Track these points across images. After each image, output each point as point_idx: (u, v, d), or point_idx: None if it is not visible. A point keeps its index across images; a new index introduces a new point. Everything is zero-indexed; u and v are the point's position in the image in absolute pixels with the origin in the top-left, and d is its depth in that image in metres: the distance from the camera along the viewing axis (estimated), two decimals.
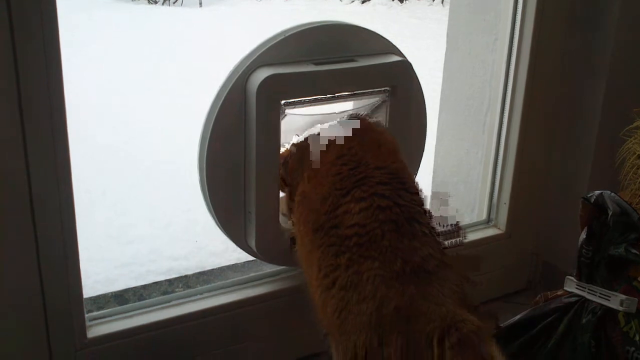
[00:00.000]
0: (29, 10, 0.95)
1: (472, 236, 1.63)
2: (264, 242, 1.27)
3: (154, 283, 1.74)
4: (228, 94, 1.19)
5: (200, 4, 6.70)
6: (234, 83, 1.19)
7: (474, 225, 1.67)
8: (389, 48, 1.32)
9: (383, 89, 1.30)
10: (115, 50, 4.41)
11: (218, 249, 1.98)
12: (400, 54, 1.33)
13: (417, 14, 5.45)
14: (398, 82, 1.30)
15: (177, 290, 1.70)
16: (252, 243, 1.27)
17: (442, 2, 6.40)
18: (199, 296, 1.29)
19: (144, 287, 1.72)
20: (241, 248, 1.32)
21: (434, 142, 1.94)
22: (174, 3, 6.85)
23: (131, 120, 3.24)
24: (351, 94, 1.28)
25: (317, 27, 1.24)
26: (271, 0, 6.69)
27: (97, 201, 2.36)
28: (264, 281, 1.36)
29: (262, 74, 1.17)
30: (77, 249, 1.14)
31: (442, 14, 5.12)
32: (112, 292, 1.68)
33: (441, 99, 1.88)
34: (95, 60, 4.04)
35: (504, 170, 1.64)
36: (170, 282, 1.75)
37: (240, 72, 1.19)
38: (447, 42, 1.84)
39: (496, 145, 1.65)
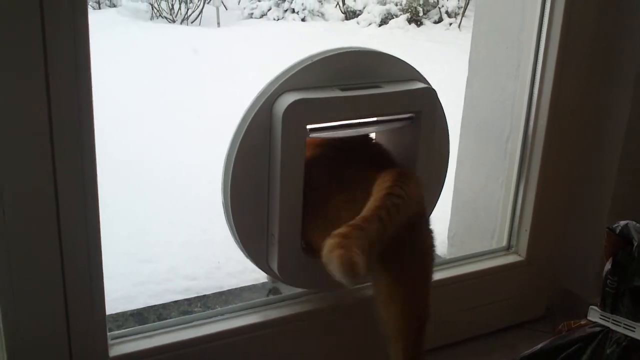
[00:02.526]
0: (61, 29, 0.97)
1: (491, 263, 1.62)
2: (287, 265, 1.27)
3: (173, 302, 1.75)
4: (254, 117, 1.20)
5: (218, 24, 6.78)
6: (260, 106, 1.20)
7: (494, 252, 1.66)
8: (414, 74, 1.33)
9: (407, 115, 1.30)
10: (135, 69, 4.47)
11: (236, 270, 1.99)
12: (424, 80, 1.34)
13: (434, 38, 5.47)
14: (422, 108, 1.30)
15: (196, 309, 1.71)
16: (274, 265, 1.27)
17: (459, 27, 6.43)
18: (219, 317, 1.29)
19: (163, 306, 1.72)
20: (262, 270, 1.32)
21: (454, 167, 1.95)
22: (192, 22, 6.94)
23: (151, 139, 3.28)
24: (375, 120, 1.28)
25: (343, 53, 1.25)
26: (289, 21, 6.76)
27: (116, 217, 2.38)
28: (285, 303, 1.35)
29: (288, 99, 1.18)
30: (102, 268, 1.14)
31: (458, 38, 5.15)
32: (130, 311, 1.69)
33: (462, 124, 1.89)
34: (116, 79, 4.09)
35: (525, 197, 1.63)
36: (189, 301, 1.76)
37: (266, 96, 1.20)
38: (469, 68, 1.85)
39: (518, 171, 1.65)
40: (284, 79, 1.21)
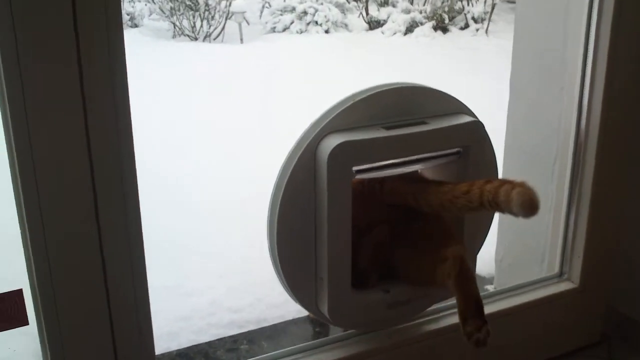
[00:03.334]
0: (97, 49, 0.95)
1: (543, 292, 1.57)
2: (337, 309, 1.24)
3: (218, 340, 1.73)
4: (298, 160, 1.17)
5: (242, 40, 6.80)
6: (304, 149, 1.17)
7: (546, 280, 1.61)
8: (460, 108, 1.30)
9: (454, 150, 1.26)
10: (163, 89, 4.48)
11: (278, 301, 1.95)
12: (471, 113, 1.30)
13: (460, 45, 5.40)
14: (470, 142, 1.27)
15: (242, 347, 1.68)
16: (325, 309, 1.24)
17: (486, 32, 6.34)
18: None
19: (209, 344, 1.70)
20: (312, 312, 1.29)
21: None
22: (214, 39, 6.96)
23: (185, 161, 3.26)
24: (422, 157, 1.25)
25: (386, 90, 1.22)
26: (312, 34, 6.74)
27: (152, 249, 2.37)
28: (335, 345, 1.32)
29: (332, 142, 1.15)
30: (149, 310, 1.12)
31: (487, 44, 5.08)
32: (177, 350, 1.67)
33: (505, 147, 1.84)
34: (144, 101, 4.09)
35: (577, 222, 1.58)
36: (234, 338, 1.73)
37: (310, 139, 1.17)
38: (510, 90, 1.80)
39: (568, 196, 1.59)
40: (327, 120, 1.18)
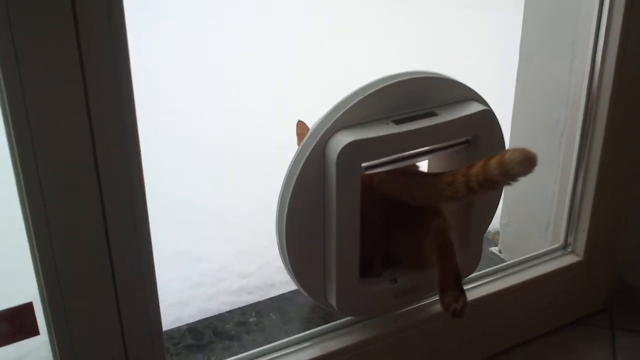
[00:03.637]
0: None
1: (548, 267, 1.59)
2: (345, 301, 1.26)
3: (227, 312, 1.76)
4: (308, 156, 1.17)
5: None
6: (313, 147, 1.16)
7: (550, 253, 1.63)
8: (469, 94, 1.27)
9: (464, 139, 1.25)
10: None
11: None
12: (481, 99, 1.28)
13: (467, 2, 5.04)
14: (480, 132, 1.25)
15: (250, 319, 1.71)
16: (333, 301, 1.26)
17: None
18: (279, 353, 1.29)
19: (217, 317, 1.73)
20: (320, 303, 1.31)
21: None
22: None
23: (192, 135, 3.14)
24: (432, 149, 1.24)
25: (395, 83, 1.19)
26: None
27: (161, 213, 2.38)
28: (340, 332, 1.34)
29: (341, 140, 1.13)
30: (157, 295, 1.11)
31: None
32: (186, 325, 1.71)
33: (514, 113, 1.82)
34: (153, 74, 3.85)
35: (583, 195, 1.58)
36: (242, 310, 1.76)
37: (319, 135, 1.16)
38: (520, 53, 1.76)
39: (575, 168, 1.59)
40: (336, 116, 1.16)
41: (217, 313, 1.76)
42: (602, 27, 1.46)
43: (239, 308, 1.77)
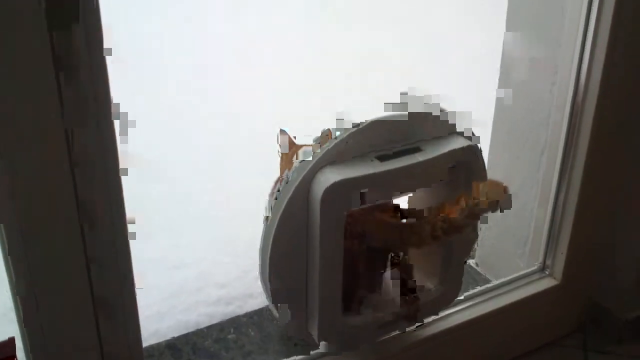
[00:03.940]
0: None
1: (526, 291, 1.60)
2: (328, 336, 1.27)
3: (206, 328, 1.75)
4: (293, 193, 1.16)
5: None
6: (298, 183, 1.16)
7: (529, 276, 1.64)
8: (453, 128, 1.27)
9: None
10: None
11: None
12: (466, 134, 1.28)
13: None
14: (463, 165, 1.25)
15: (228, 336, 1.71)
16: (315, 334, 1.26)
17: None
18: None
19: (196, 333, 1.72)
20: (302, 336, 1.32)
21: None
22: None
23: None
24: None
25: (379, 121, 1.18)
26: None
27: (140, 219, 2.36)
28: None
29: (325, 180, 1.13)
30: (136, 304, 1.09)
31: None
32: (165, 341, 1.70)
33: (493, 129, 1.82)
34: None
35: (563, 218, 1.59)
36: (221, 326, 1.75)
37: (304, 172, 1.16)
38: (500, 70, 1.76)
39: (556, 189, 1.59)
40: (320, 155, 1.16)
41: (195, 329, 1.75)
42: (587, 45, 1.44)
43: (218, 323, 1.77)
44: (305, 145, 1.67)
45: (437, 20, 4.17)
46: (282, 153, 1.68)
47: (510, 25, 1.73)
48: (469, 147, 1.25)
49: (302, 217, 1.17)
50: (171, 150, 2.89)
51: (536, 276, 1.65)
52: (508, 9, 1.76)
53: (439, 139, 1.25)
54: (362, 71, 3.47)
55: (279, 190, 1.54)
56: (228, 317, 1.84)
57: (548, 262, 1.66)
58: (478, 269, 1.95)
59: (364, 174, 1.14)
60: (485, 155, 1.79)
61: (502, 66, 1.75)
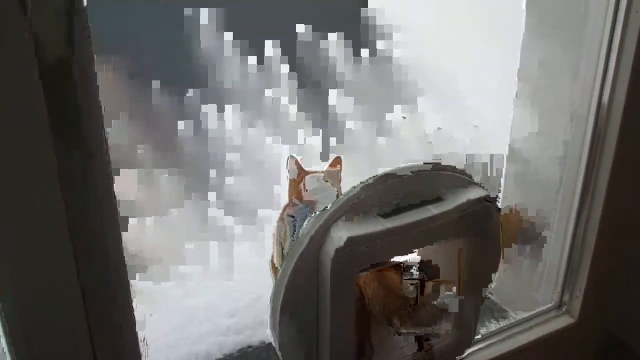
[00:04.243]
0: None
1: (541, 330, 1.57)
2: None
3: None
4: (304, 250, 1.12)
5: None
6: (309, 240, 1.11)
7: (545, 314, 1.61)
8: (470, 178, 1.23)
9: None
10: None
11: None
12: (481, 187, 1.23)
13: None
14: (477, 224, 1.21)
15: None
16: None
17: None
18: None
19: None
20: None
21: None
22: None
23: None
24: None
25: (391, 175, 1.14)
26: None
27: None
28: None
29: (338, 236, 1.09)
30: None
31: None
32: None
33: (507, 167, 1.77)
34: None
35: (581, 258, 1.56)
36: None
37: (315, 228, 1.11)
38: (515, 103, 1.70)
39: (574, 228, 1.55)
40: (331, 210, 1.12)
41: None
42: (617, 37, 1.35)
43: (229, 355, 1.74)
44: (314, 172, 1.65)
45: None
46: (289, 179, 1.67)
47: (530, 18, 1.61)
48: (485, 207, 1.20)
49: (313, 272, 1.14)
50: None
51: (552, 314, 1.62)
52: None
53: (456, 190, 1.20)
54: None
55: (290, 216, 1.51)
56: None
57: (565, 299, 1.62)
58: (491, 297, 1.92)
59: (377, 231, 1.10)
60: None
61: (518, 91, 1.70)
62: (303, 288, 1.15)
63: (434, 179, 1.19)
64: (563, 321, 1.60)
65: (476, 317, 1.38)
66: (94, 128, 0.82)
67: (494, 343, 1.51)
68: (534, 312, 1.61)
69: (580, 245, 1.55)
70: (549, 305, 1.63)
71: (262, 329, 1.96)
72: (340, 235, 1.09)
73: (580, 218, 1.54)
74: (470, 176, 1.22)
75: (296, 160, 1.65)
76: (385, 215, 1.14)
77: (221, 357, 1.74)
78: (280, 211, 1.65)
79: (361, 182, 1.13)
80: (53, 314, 0.91)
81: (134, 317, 1.02)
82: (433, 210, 1.15)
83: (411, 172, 1.15)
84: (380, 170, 1.14)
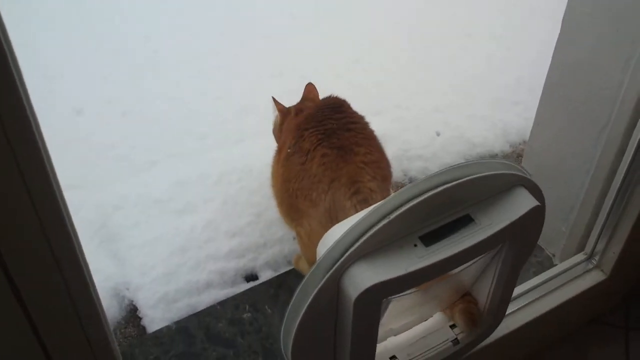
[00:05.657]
0: None
1: (573, 289, 1.45)
2: None
3: (219, 304, 1.63)
4: (322, 285, 0.95)
5: None
6: (329, 276, 0.95)
7: (574, 267, 1.49)
8: (514, 180, 1.02)
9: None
10: None
11: (275, 216, 1.78)
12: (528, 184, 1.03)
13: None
14: (523, 230, 1.03)
15: (244, 315, 1.60)
16: None
17: None
18: None
19: (209, 313, 1.61)
20: None
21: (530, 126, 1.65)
22: None
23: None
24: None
25: (426, 199, 0.94)
26: None
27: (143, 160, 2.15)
28: None
29: (360, 279, 0.92)
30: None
31: None
32: (174, 324, 1.59)
33: (545, 86, 1.54)
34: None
35: (621, 218, 1.40)
36: (236, 302, 1.63)
37: (335, 265, 0.94)
38: (562, 29, 1.44)
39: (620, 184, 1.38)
40: (353, 244, 0.93)
41: (208, 306, 1.64)
42: None
43: (232, 298, 1.65)
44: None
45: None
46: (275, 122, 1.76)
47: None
48: (533, 211, 1.01)
49: (332, 307, 0.99)
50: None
51: (582, 269, 1.49)
52: None
53: (495, 199, 1.01)
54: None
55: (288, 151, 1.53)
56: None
57: (597, 251, 1.49)
58: None
59: (405, 273, 0.93)
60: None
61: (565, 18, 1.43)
62: (320, 323, 1.00)
63: (472, 188, 0.98)
64: (594, 277, 1.48)
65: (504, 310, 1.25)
66: None
67: (521, 308, 1.40)
68: (565, 267, 1.48)
69: (625, 203, 1.37)
70: (580, 259, 1.49)
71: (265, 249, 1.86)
72: (362, 277, 0.92)
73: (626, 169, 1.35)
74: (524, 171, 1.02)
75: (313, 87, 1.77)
76: (421, 242, 0.96)
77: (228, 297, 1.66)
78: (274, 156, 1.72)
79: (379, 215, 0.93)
80: None
81: None
82: (477, 236, 0.97)
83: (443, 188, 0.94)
84: None
